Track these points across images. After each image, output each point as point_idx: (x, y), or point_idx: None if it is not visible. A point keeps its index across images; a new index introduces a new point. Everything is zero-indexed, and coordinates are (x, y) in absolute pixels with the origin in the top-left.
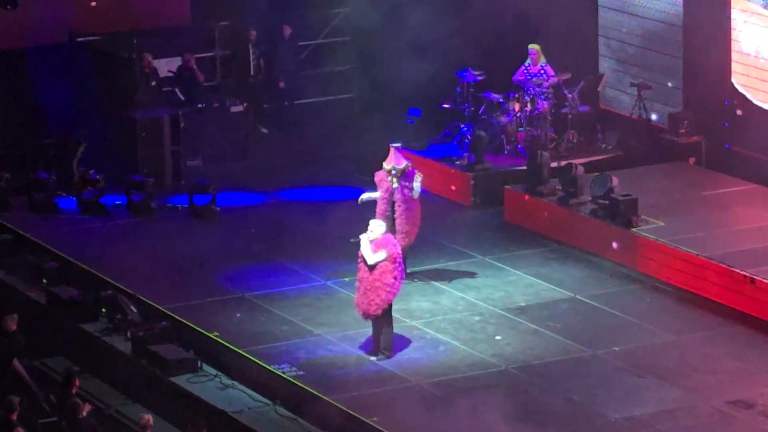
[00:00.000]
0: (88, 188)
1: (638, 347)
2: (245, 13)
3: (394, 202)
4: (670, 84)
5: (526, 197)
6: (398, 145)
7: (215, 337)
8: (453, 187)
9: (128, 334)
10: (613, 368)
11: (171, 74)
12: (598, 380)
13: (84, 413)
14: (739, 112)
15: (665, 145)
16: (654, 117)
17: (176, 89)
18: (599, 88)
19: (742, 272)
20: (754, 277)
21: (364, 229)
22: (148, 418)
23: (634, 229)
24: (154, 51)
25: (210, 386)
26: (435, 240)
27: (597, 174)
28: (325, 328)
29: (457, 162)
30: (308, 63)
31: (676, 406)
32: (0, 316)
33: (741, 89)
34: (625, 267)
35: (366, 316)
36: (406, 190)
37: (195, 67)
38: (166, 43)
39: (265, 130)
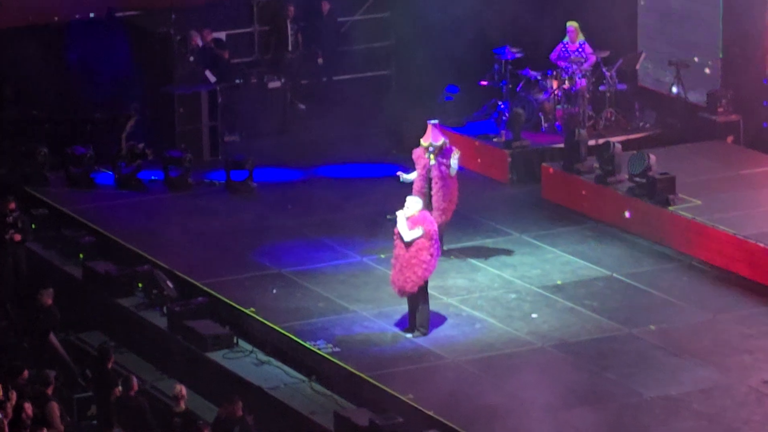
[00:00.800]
0: (137, 162)
1: (674, 326)
2: None
3: (431, 179)
4: (709, 62)
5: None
6: (436, 121)
7: (251, 313)
8: (478, 161)
9: (164, 309)
10: (649, 347)
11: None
12: (633, 359)
13: (134, 390)
14: None
15: (703, 124)
16: (674, 89)
17: (206, 71)
18: (637, 66)
19: None
20: None
21: (401, 206)
22: (181, 388)
23: (671, 208)
24: (194, 27)
25: (246, 362)
26: (471, 217)
27: (635, 152)
28: (361, 304)
29: (495, 139)
30: (346, 39)
31: (712, 385)
32: (36, 290)
33: None
34: (661, 245)
35: (402, 293)
36: (443, 167)
37: (213, 43)
38: (205, 19)
39: (302, 106)
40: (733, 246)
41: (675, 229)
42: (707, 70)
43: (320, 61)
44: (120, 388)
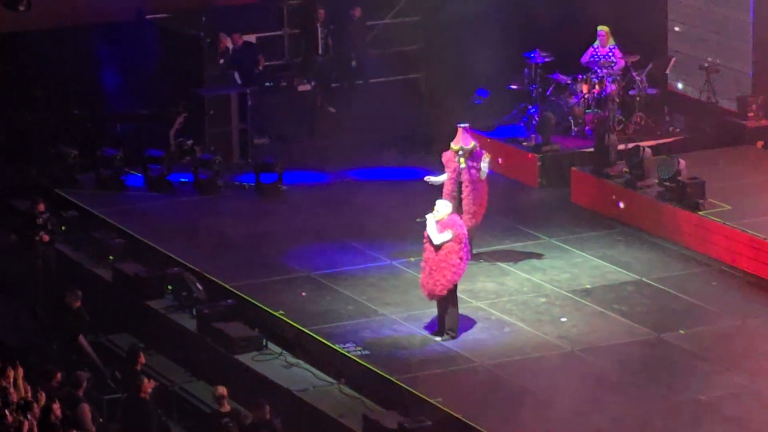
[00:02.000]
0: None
1: (704, 331)
2: None
3: (461, 183)
4: (739, 68)
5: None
6: (466, 125)
7: (280, 316)
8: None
9: (193, 311)
10: (679, 351)
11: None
12: (663, 363)
13: (148, 391)
14: None
15: (733, 129)
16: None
17: (234, 73)
18: (667, 71)
19: None
20: None
21: (431, 209)
22: (222, 389)
23: (701, 213)
24: (224, 29)
25: (275, 364)
26: (501, 221)
27: (664, 157)
28: (390, 308)
29: (525, 143)
30: (376, 43)
31: (742, 390)
32: (64, 292)
33: None
34: (691, 250)
35: (431, 296)
36: (473, 171)
37: (242, 47)
38: (235, 21)
39: (332, 109)
40: (763, 251)
41: (704, 234)
42: (737, 75)
43: (354, 63)
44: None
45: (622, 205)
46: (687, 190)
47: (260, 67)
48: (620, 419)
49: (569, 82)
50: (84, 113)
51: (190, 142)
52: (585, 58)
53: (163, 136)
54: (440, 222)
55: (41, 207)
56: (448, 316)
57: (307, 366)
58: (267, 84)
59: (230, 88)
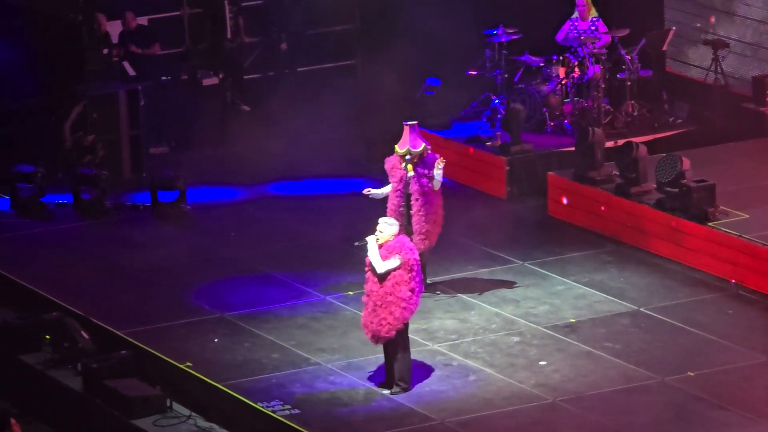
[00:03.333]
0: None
1: (719, 372)
2: None
3: (409, 195)
4: (755, 40)
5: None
6: (414, 123)
7: (187, 369)
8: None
9: (78, 366)
10: (688, 398)
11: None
12: (669, 414)
13: None
14: None
15: (749, 117)
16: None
17: (124, 62)
18: (665, 47)
19: None
20: None
21: (372, 230)
22: None
23: (711, 224)
24: (106, 10)
25: (182, 430)
26: (462, 242)
27: (664, 155)
28: (326, 355)
29: (488, 143)
30: (301, 22)
31: None
32: None
33: None
34: (700, 271)
35: (376, 339)
36: (424, 180)
37: (134, 30)
38: (122, 1)
39: (246, 108)
40: None
41: (716, 250)
42: (752, 49)
43: (284, 47)
44: None
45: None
46: (693, 196)
47: (155, 57)
48: None
49: (542, 64)
50: None
51: (91, 138)
52: (561, 35)
53: (32, 144)
54: (385, 245)
55: None
56: (398, 364)
57: (223, 431)
58: (164, 78)
59: (117, 84)
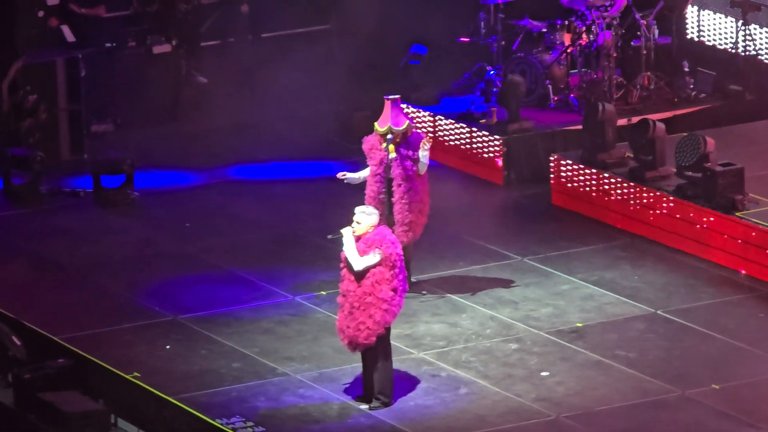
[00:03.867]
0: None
1: (747, 385)
2: None
3: (390, 180)
4: None
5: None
6: (396, 97)
7: (134, 380)
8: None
9: (9, 377)
10: (712, 414)
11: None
12: (689, 431)
13: None
14: None
15: None
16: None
17: (62, 26)
18: (685, 11)
19: None
20: None
21: (349, 221)
22: None
23: (738, 214)
24: None
25: None
26: (452, 234)
27: (685, 135)
28: (294, 364)
29: (482, 120)
30: None
31: None
32: None
33: None
34: (726, 268)
35: (353, 346)
36: (408, 163)
37: None
38: None
39: (203, 79)
40: None
41: (744, 245)
42: None
43: (245, 9)
44: None
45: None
46: (718, 182)
47: (99, 20)
48: None
49: (544, 30)
50: None
51: (33, 98)
52: None
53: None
54: (363, 238)
55: None
56: (378, 374)
57: None
58: (108, 44)
59: (55, 52)
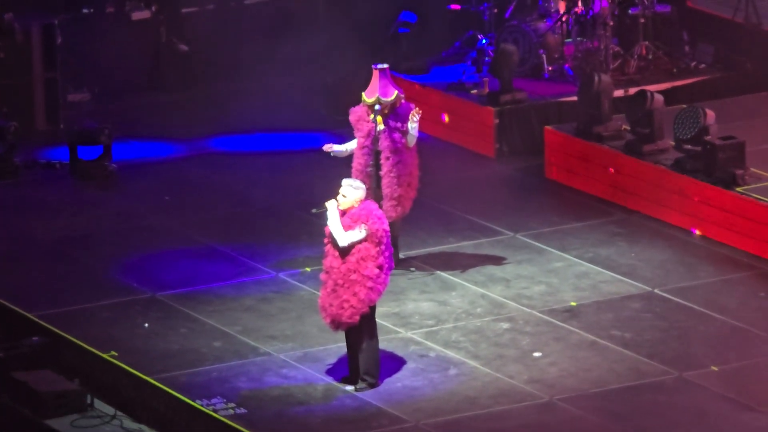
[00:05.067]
0: None
1: (747, 366)
2: None
3: (378, 153)
4: None
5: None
6: (385, 66)
7: (112, 359)
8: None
9: None
10: (711, 397)
11: None
12: (687, 415)
13: None
14: None
15: None
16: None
17: None
18: None
19: None
20: None
21: (334, 193)
22: None
23: (739, 190)
24: None
25: None
26: (441, 209)
27: (684, 107)
28: (277, 343)
29: (474, 91)
30: None
31: None
32: None
33: None
34: (726, 245)
35: (336, 324)
36: (396, 135)
37: None
38: None
39: (184, 47)
40: None
41: (745, 221)
42: None
43: None
44: None
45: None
46: (718, 155)
47: None
48: None
49: None
50: None
51: None
52: None
53: None
54: (348, 213)
55: None
56: (363, 355)
57: None
58: (85, 10)
59: (29, 17)
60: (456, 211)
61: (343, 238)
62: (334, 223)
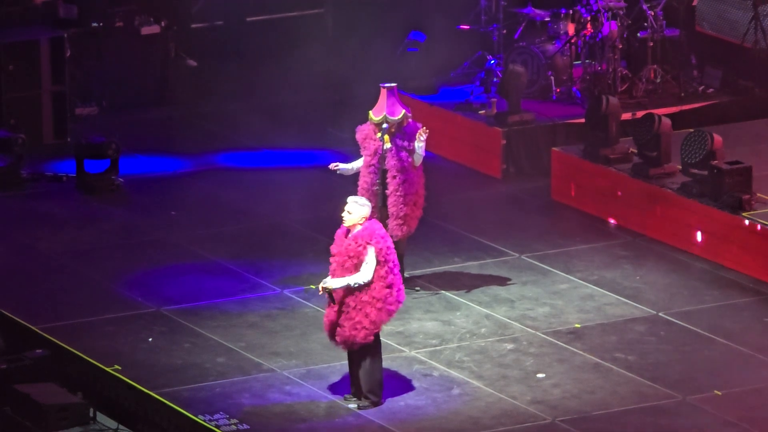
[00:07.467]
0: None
1: (751, 390)
2: None
3: (385, 172)
4: None
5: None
6: (393, 85)
7: (115, 373)
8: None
9: None
10: (713, 421)
11: None
12: None
13: None
14: None
15: None
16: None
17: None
18: (695, 2)
19: None
20: None
21: (340, 212)
22: None
23: (745, 215)
24: None
25: None
26: (447, 229)
27: (691, 131)
28: (281, 360)
29: (481, 111)
30: None
31: None
32: None
33: None
34: (731, 270)
35: (348, 345)
36: (403, 154)
37: None
38: None
39: (192, 62)
40: None
41: (751, 246)
42: None
43: None
44: None
45: (612, 222)
46: (725, 180)
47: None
48: None
49: (547, 19)
50: None
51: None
52: None
53: None
54: (352, 234)
55: None
56: (366, 373)
57: None
58: (95, 24)
59: (39, 30)
60: (461, 231)
61: (363, 275)
62: (343, 281)
